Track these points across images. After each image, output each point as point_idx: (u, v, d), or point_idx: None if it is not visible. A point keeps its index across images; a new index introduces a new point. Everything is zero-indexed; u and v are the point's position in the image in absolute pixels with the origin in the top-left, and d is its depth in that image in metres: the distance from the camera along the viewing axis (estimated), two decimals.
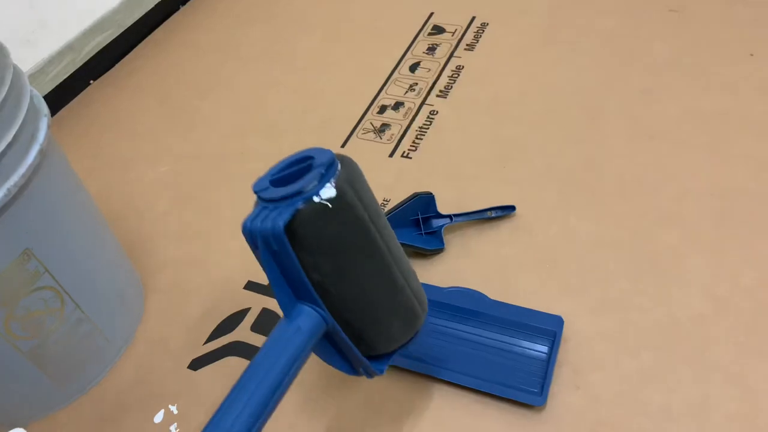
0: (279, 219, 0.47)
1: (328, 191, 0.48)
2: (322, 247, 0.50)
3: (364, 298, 0.53)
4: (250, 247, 0.52)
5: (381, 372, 0.57)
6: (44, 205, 0.65)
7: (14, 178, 0.59)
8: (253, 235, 0.50)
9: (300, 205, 0.48)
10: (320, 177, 0.49)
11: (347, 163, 0.52)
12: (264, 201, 0.51)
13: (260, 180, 0.54)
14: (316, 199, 0.48)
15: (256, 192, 0.52)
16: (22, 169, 0.60)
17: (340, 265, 0.51)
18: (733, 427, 0.65)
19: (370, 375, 0.57)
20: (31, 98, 0.64)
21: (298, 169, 0.52)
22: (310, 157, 0.52)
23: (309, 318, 0.51)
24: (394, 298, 0.55)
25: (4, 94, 0.57)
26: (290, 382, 0.51)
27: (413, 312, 0.57)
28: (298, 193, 0.48)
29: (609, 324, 0.74)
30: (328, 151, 0.51)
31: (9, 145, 0.58)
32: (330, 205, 0.48)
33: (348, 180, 0.50)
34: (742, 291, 0.75)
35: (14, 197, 0.59)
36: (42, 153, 0.62)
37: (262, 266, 0.51)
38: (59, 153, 0.70)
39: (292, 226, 0.48)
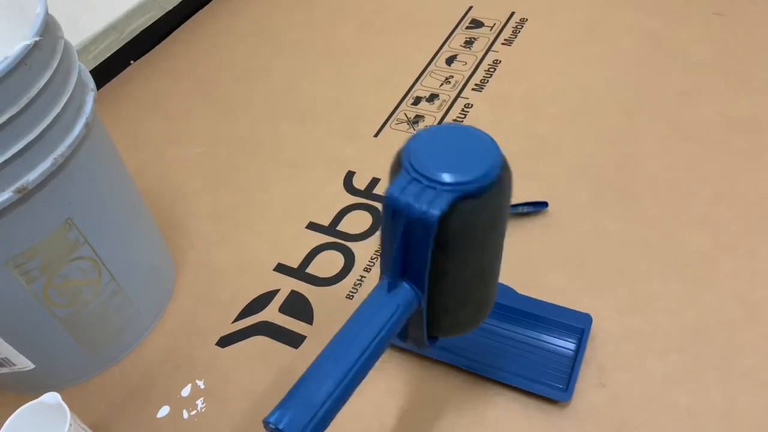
0: (435, 207, 0.43)
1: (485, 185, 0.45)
2: (462, 241, 0.47)
3: (464, 291, 0.52)
4: (386, 214, 0.47)
5: (430, 346, 0.56)
6: (87, 177, 0.66)
7: (60, 149, 0.60)
8: (398, 209, 0.45)
9: (461, 196, 0.44)
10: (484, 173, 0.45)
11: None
12: (417, 173, 0.45)
13: (412, 143, 0.47)
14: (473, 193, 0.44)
15: (404, 156, 0.47)
16: (69, 140, 0.61)
17: (466, 259, 0.49)
18: None
19: (419, 347, 0.56)
20: (79, 72, 0.66)
21: (460, 150, 0.47)
22: (477, 139, 0.47)
23: (407, 297, 0.50)
24: (486, 292, 0.55)
25: (55, 66, 0.59)
26: (379, 356, 0.50)
27: (489, 305, 0.57)
28: (474, 180, 0.44)
29: (637, 324, 0.74)
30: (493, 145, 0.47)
31: (57, 117, 0.60)
32: (482, 199, 0.45)
33: (504, 174, 0.46)
34: None
35: (59, 167, 0.61)
36: (87, 126, 0.64)
37: (383, 233, 0.49)
38: (102, 128, 0.71)
39: (444, 217, 0.44)
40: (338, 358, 0.48)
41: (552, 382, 0.69)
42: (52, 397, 0.65)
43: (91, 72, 1.19)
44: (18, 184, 0.57)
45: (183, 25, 1.37)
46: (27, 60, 0.56)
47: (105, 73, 1.24)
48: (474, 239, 0.47)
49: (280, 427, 0.43)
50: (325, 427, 0.46)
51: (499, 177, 0.45)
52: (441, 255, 0.47)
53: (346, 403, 0.71)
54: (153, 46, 1.32)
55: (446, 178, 0.44)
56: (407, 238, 0.46)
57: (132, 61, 1.29)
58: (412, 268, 0.49)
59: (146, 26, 1.29)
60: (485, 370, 0.70)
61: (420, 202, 0.44)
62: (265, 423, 0.45)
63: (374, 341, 0.48)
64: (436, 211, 0.43)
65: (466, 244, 0.47)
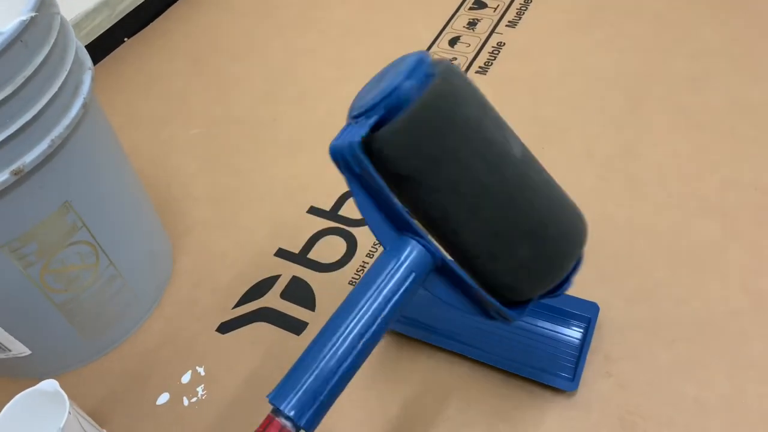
0: (357, 133, 0.40)
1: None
2: (419, 162, 0.41)
3: (482, 225, 0.43)
4: (339, 170, 0.45)
5: (516, 317, 0.46)
6: (85, 158, 0.64)
7: (58, 130, 0.58)
8: (335, 155, 0.43)
9: (383, 112, 0.39)
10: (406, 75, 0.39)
11: (444, 62, 0.42)
12: (349, 118, 0.43)
13: (355, 98, 0.46)
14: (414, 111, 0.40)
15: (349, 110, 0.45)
16: (66, 121, 0.59)
17: (446, 183, 0.41)
18: (767, 426, 0.64)
19: (504, 318, 0.47)
20: (76, 50, 0.63)
21: (385, 79, 0.43)
22: (402, 62, 0.42)
23: (411, 251, 0.43)
24: (523, 221, 0.43)
25: (52, 42, 0.57)
26: (388, 323, 0.44)
27: (558, 236, 0.44)
28: (382, 99, 0.39)
29: (644, 313, 0.73)
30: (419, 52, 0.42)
31: (54, 96, 0.57)
32: (419, 106, 0.40)
33: (445, 74, 0.40)
34: None
35: (57, 149, 0.59)
36: (85, 106, 0.62)
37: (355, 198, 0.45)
38: (99, 108, 0.69)
39: (376, 139, 0.40)
40: (341, 335, 0.43)
41: (558, 372, 0.68)
42: (50, 385, 0.63)
43: None
44: (14, 166, 0.55)
45: (177, 2, 1.33)
46: (23, 36, 0.54)
47: (98, 50, 1.21)
48: (429, 156, 0.40)
49: (290, 414, 0.42)
50: (328, 410, 0.45)
51: (417, 87, 0.39)
52: (413, 188, 0.42)
53: (350, 392, 0.70)
54: (147, 23, 1.29)
55: (364, 108, 0.41)
56: (363, 185, 0.43)
57: (126, 39, 1.26)
58: (395, 218, 0.43)
59: (140, 2, 1.25)
60: (491, 359, 0.69)
61: (344, 139, 0.41)
62: (275, 409, 0.43)
63: (383, 310, 0.43)
64: (357, 137, 0.39)
65: (428, 164, 0.41)
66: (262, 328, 0.78)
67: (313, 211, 0.90)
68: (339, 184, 0.92)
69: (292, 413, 0.42)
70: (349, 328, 0.43)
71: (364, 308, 0.43)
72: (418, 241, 0.44)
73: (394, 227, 0.44)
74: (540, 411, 0.67)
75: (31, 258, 0.63)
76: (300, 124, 1.03)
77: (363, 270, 0.82)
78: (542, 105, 0.99)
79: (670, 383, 0.67)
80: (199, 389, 0.73)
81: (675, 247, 0.79)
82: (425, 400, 0.69)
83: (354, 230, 0.86)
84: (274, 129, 1.03)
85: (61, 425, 0.60)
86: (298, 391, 0.43)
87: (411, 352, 0.73)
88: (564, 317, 0.72)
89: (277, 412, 0.43)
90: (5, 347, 0.69)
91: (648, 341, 0.71)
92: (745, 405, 0.65)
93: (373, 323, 0.43)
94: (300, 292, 0.80)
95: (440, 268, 0.45)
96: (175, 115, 1.09)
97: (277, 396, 0.43)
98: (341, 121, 1.02)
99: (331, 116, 1.03)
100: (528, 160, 0.45)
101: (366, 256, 0.83)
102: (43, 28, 0.57)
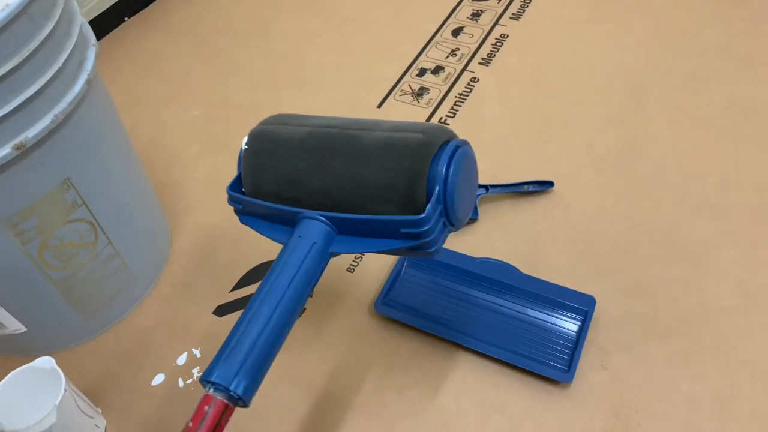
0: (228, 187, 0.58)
1: (244, 141, 0.57)
2: (266, 173, 0.55)
3: (336, 174, 0.53)
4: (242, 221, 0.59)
5: (424, 221, 0.49)
6: (87, 136, 0.64)
7: (61, 106, 0.58)
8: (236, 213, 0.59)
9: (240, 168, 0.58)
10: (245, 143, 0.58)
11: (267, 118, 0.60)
12: None
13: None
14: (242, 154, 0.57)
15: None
16: (69, 97, 0.59)
17: (291, 173, 0.54)
18: (758, 422, 0.64)
19: (421, 227, 0.49)
20: (80, 26, 0.63)
21: None
22: None
23: (312, 227, 0.53)
24: (364, 150, 0.52)
25: (57, 16, 0.56)
26: (305, 293, 0.53)
27: (403, 142, 0.51)
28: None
29: (639, 308, 0.74)
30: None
31: (58, 71, 0.57)
32: (247, 146, 0.57)
33: (264, 123, 0.59)
34: None
35: (59, 125, 0.58)
36: (89, 83, 0.61)
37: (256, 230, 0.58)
38: (103, 86, 0.69)
39: (242, 182, 0.58)
40: (260, 306, 0.50)
41: (554, 363, 0.68)
42: (46, 362, 0.63)
43: None
44: (16, 141, 0.55)
45: None
46: (28, 9, 0.53)
47: (98, 29, 1.20)
48: (270, 163, 0.56)
49: (211, 379, 0.46)
50: (259, 373, 0.48)
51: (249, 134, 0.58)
52: (283, 193, 0.55)
53: (346, 379, 0.70)
54: (148, 3, 1.28)
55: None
56: (250, 212, 0.58)
57: (126, 18, 1.25)
58: (285, 218, 0.55)
59: None
60: (487, 349, 0.70)
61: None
62: (201, 381, 0.47)
63: (293, 281, 0.52)
64: (228, 188, 0.57)
65: (272, 171, 0.55)
66: None
67: None
68: None
69: (231, 386, 0.46)
70: (271, 307, 0.51)
71: (280, 288, 0.51)
72: (312, 219, 0.53)
73: (291, 227, 0.55)
74: (535, 402, 0.67)
75: (30, 234, 0.62)
76: (301, 110, 1.02)
77: (361, 258, 0.82)
78: (543, 98, 0.99)
79: (664, 377, 0.68)
80: (195, 371, 0.73)
81: (672, 244, 0.79)
82: (421, 388, 0.69)
83: None
84: (276, 113, 1.02)
85: (57, 402, 0.60)
86: (234, 365, 0.47)
87: (408, 341, 0.73)
88: (561, 309, 0.72)
89: (213, 389, 0.46)
90: (1, 324, 0.69)
91: (643, 335, 0.71)
92: (737, 401, 0.66)
93: (291, 300, 0.51)
94: None
95: (338, 226, 0.53)
96: (175, 96, 1.08)
97: (212, 374, 0.46)
98: (342, 107, 1.02)
99: (332, 102, 1.03)
100: (343, 121, 0.56)
101: None
102: (49, 2, 0.56)
